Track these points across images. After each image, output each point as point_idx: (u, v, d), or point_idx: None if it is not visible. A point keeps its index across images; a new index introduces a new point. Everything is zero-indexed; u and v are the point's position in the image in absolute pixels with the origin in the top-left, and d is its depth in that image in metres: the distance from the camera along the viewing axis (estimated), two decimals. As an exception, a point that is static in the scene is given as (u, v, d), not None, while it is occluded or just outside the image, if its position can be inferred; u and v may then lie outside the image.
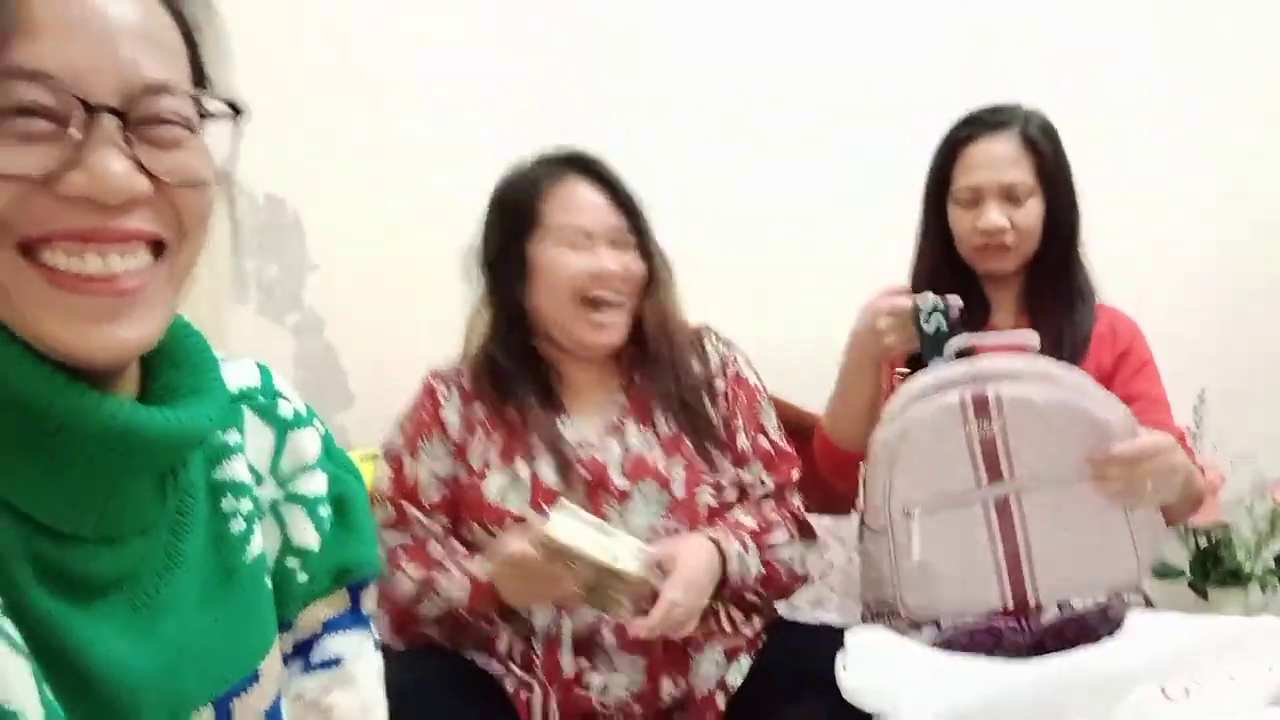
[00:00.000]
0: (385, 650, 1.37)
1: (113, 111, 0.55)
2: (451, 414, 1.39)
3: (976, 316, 1.53)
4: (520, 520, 1.31)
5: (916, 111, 2.10)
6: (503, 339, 1.40)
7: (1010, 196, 1.51)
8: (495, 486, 1.35)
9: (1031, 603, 1.36)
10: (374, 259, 2.21)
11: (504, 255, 1.39)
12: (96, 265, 0.55)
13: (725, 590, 1.34)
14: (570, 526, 1.17)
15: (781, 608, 1.66)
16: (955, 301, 1.37)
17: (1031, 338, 1.34)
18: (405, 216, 2.20)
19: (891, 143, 2.11)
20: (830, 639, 1.25)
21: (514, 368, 1.39)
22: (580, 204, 1.38)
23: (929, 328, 1.36)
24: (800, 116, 2.18)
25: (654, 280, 1.43)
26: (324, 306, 2.31)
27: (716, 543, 1.33)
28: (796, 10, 2.19)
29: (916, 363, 1.39)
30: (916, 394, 1.33)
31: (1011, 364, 1.31)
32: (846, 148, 2.17)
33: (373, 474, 1.42)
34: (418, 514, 1.36)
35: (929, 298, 1.37)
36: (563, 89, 2.17)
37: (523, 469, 1.35)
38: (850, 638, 1.22)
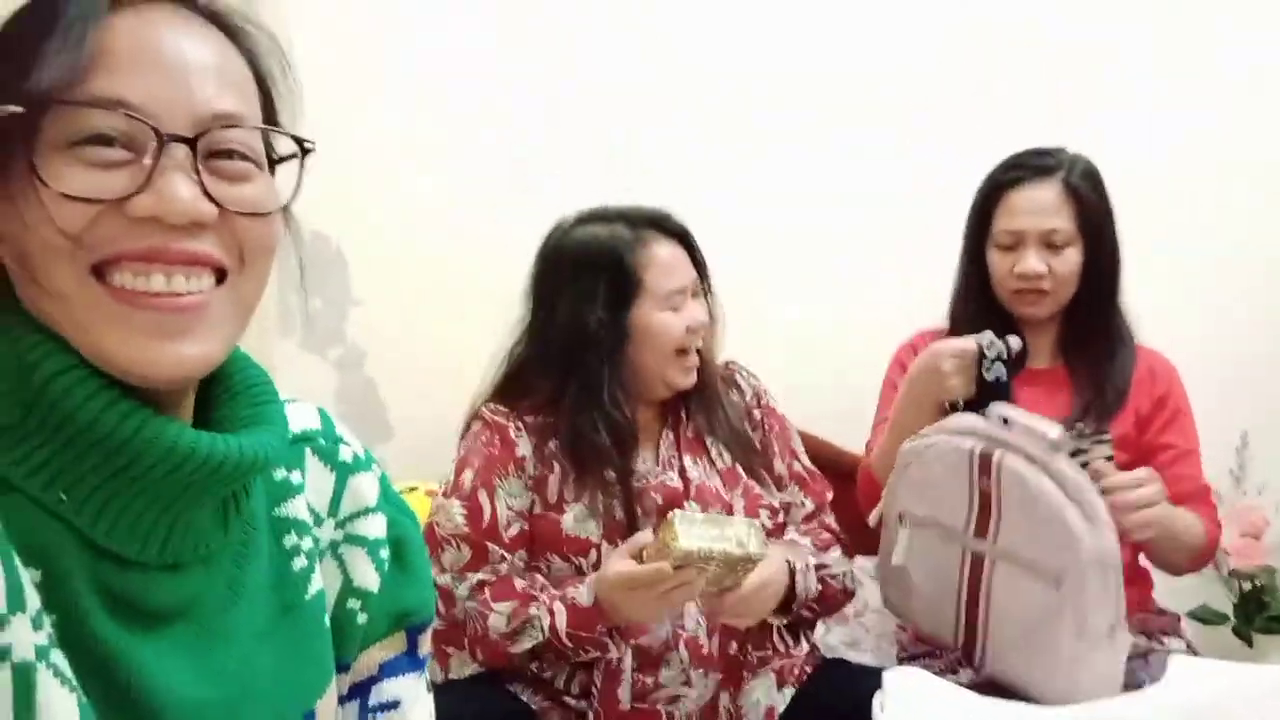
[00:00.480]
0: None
1: (183, 140, 0.58)
2: (526, 450, 1.41)
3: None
4: (597, 547, 1.36)
5: (916, 111, 2.14)
6: (597, 410, 1.39)
7: (1049, 244, 1.51)
8: (572, 517, 1.37)
9: (975, 658, 1.39)
10: (415, 294, 2.25)
11: (608, 328, 1.40)
12: (161, 283, 0.57)
13: (794, 605, 1.40)
14: (694, 533, 1.20)
15: (821, 646, 1.67)
16: (1015, 344, 1.41)
17: (1052, 429, 1.29)
18: (445, 252, 2.23)
19: (891, 143, 2.13)
20: (870, 679, 1.24)
21: (603, 432, 1.39)
22: (674, 266, 1.44)
23: (989, 375, 1.39)
24: (800, 116, 2.20)
25: (713, 321, 1.52)
26: (365, 341, 2.34)
27: (787, 560, 1.40)
28: (797, 10, 2.20)
29: (969, 410, 1.41)
30: (945, 428, 1.39)
31: (1029, 443, 1.29)
32: (846, 147, 2.18)
33: (426, 515, 1.42)
34: (500, 551, 1.36)
35: (994, 343, 1.39)
36: (605, 110, 2.19)
37: (598, 500, 1.38)
38: (888, 677, 1.20)
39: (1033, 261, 1.51)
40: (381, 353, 2.34)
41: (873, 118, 2.17)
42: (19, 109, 0.55)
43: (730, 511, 1.40)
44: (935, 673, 1.42)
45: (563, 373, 1.42)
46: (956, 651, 1.47)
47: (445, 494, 1.41)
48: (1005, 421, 1.33)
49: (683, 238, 1.48)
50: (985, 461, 1.31)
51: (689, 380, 1.45)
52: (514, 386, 1.48)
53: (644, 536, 1.26)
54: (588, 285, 1.41)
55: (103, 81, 0.56)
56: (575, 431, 1.40)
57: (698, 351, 1.47)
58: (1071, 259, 1.52)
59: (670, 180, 2.06)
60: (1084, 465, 1.32)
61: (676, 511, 1.22)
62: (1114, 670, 1.28)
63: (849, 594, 1.52)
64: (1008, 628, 1.34)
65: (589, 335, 1.40)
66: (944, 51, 2.16)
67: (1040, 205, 1.52)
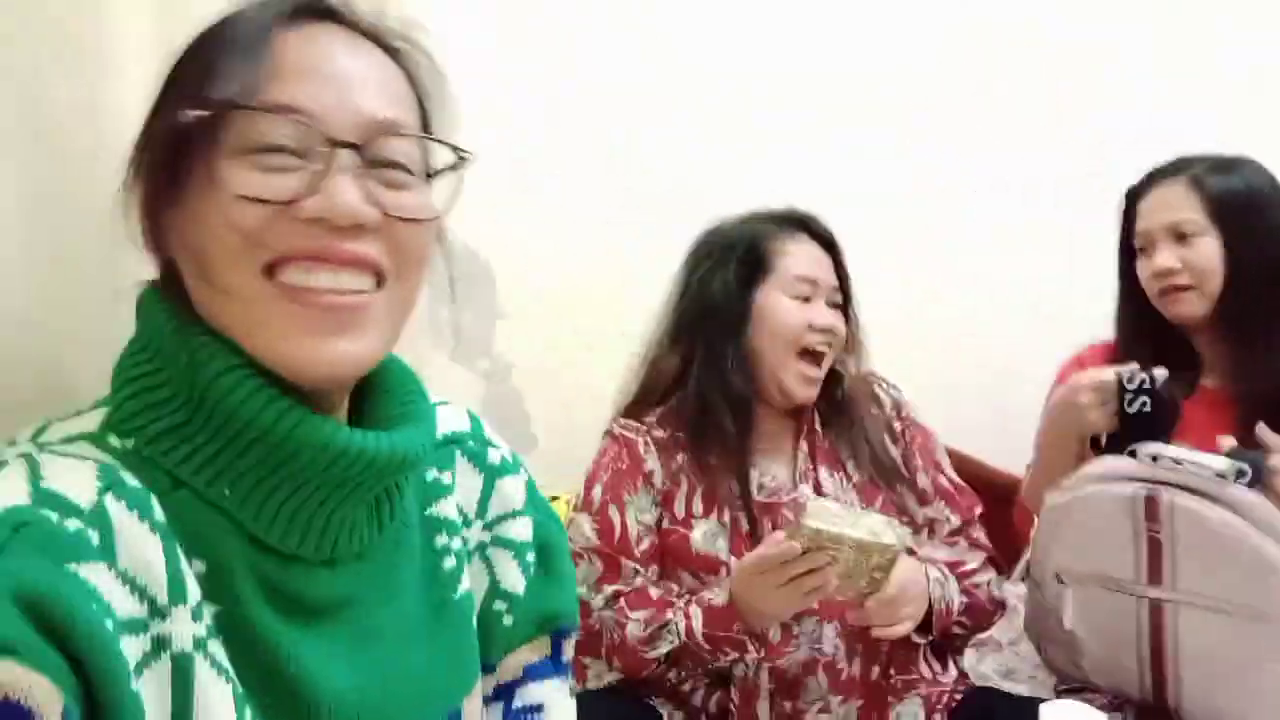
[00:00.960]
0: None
1: (350, 146, 0.61)
2: (654, 464, 1.41)
3: (1185, 377, 1.45)
4: (726, 564, 1.33)
5: (916, 111, 2.10)
6: (722, 381, 1.41)
7: (1179, 236, 1.44)
8: (701, 533, 1.37)
9: (1172, 706, 1.29)
10: (559, 308, 2.29)
11: (732, 300, 1.42)
12: (328, 280, 0.60)
13: (934, 620, 1.34)
14: (825, 516, 1.19)
15: (973, 675, 1.60)
16: (1160, 374, 1.32)
17: (1216, 461, 1.23)
18: (588, 267, 2.27)
19: (891, 143, 2.10)
20: (1025, 711, 1.18)
21: (727, 409, 1.40)
22: (808, 259, 1.45)
23: (1132, 409, 1.30)
24: (800, 116, 2.17)
25: (853, 341, 1.51)
26: (512, 353, 2.39)
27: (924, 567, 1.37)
28: (797, 10, 2.18)
29: (1112, 443, 1.34)
30: (1095, 476, 1.31)
31: (1199, 479, 1.23)
32: (846, 147, 2.15)
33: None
34: (633, 565, 1.37)
35: (1135, 375, 1.31)
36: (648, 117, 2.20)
37: (725, 515, 1.37)
38: (1045, 711, 1.14)
39: (1162, 257, 1.44)
40: (527, 366, 2.39)
41: (873, 117, 2.14)
42: (203, 113, 0.58)
43: None
44: (1098, 707, 1.34)
45: (689, 347, 1.44)
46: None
47: (576, 509, 1.43)
48: (1155, 459, 1.26)
49: (830, 245, 1.48)
50: (1151, 506, 1.24)
51: (806, 392, 1.42)
52: (647, 392, 1.49)
53: (778, 534, 1.23)
54: (721, 264, 1.44)
55: (275, 91, 0.60)
56: (698, 405, 1.41)
57: (831, 370, 1.46)
58: (1207, 249, 1.42)
59: (670, 180, 2.10)
60: (1255, 484, 1.21)
61: (811, 496, 1.21)
62: None
63: (999, 605, 1.45)
64: (1203, 672, 1.26)
65: (714, 307, 1.42)
66: (944, 51, 2.14)
67: (1164, 202, 1.46)
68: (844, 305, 1.49)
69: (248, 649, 0.58)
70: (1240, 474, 1.22)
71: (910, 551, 1.35)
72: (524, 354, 2.39)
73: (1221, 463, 1.23)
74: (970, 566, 1.43)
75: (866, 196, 2.13)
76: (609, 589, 1.35)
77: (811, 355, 1.42)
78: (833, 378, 1.48)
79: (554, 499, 1.60)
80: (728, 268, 1.44)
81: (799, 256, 1.44)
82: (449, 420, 0.78)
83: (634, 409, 1.50)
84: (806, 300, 1.42)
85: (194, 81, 0.60)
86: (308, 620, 0.62)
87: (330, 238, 0.60)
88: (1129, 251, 1.54)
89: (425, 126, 0.69)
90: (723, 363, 1.41)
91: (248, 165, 0.59)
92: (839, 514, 1.20)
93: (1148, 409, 1.30)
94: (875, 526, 1.19)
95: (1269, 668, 1.20)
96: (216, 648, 0.56)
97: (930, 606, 1.34)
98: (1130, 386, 1.31)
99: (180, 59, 0.63)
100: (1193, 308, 1.45)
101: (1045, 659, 1.40)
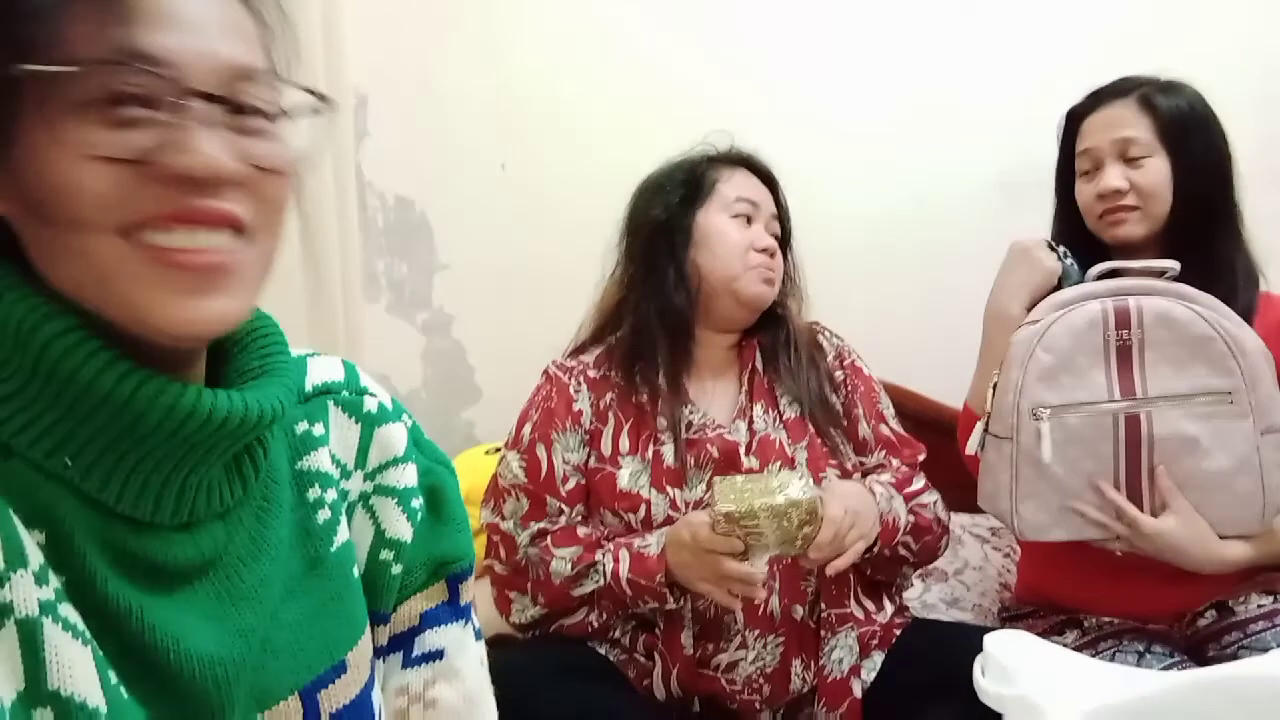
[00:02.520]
0: (508, 641, 1.39)
1: (207, 97, 0.56)
2: (584, 404, 1.42)
3: None
4: (648, 501, 1.34)
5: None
6: (660, 299, 1.43)
7: (1126, 156, 1.42)
8: (627, 472, 1.37)
9: (1145, 508, 1.31)
10: (500, 258, 2.26)
11: (675, 221, 1.44)
12: (185, 239, 0.56)
13: (880, 532, 1.34)
14: (734, 492, 1.20)
15: (915, 606, 1.62)
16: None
17: (1172, 262, 1.33)
18: (530, 216, 2.24)
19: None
20: (967, 639, 1.20)
21: (663, 331, 1.42)
22: (748, 185, 1.48)
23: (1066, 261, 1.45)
24: (900, 97, 2.16)
25: (792, 282, 1.54)
26: (452, 305, 2.36)
27: (868, 487, 1.38)
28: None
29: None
30: (1060, 303, 1.33)
31: (1153, 283, 1.31)
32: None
33: (494, 468, 1.44)
34: (558, 503, 1.38)
35: (1067, 252, 1.44)
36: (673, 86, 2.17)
37: (649, 452, 1.38)
38: (989, 641, 1.16)
39: (1110, 177, 1.42)
40: (468, 317, 2.36)
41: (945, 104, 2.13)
42: (38, 67, 0.53)
43: (792, 466, 1.37)
44: (1039, 634, 1.38)
45: (632, 272, 1.46)
46: (1162, 620, 1.42)
47: (507, 446, 1.44)
48: (1114, 274, 1.34)
49: (769, 180, 1.50)
50: (1121, 314, 1.29)
51: (760, 289, 1.43)
52: (592, 332, 1.51)
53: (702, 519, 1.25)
54: (662, 191, 1.47)
55: (123, 38, 0.55)
56: (635, 332, 1.43)
57: (773, 310, 1.48)
58: (1155, 170, 1.41)
59: (608, 124, 2.14)
60: None
61: (716, 479, 1.23)
62: None
63: (944, 527, 1.46)
64: (1180, 467, 1.29)
65: (655, 226, 1.44)
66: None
67: (1112, 121, 1.44)
68: (783, 243, 1.50)
69: (100, 618, 0.55)
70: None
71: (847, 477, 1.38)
72: (465, 306, 2.36)
73: (1163, 263, 1.32)
74: (916, 487, 1.44)
75: (822, 126, 2.16)
76: (534, 526, 1.37)
77: (757, 268, 1.44)
78: (775, 318, 1.49)
79: (497, 449, 1.59)
80: (668, 193, 1.46)
81: (740, 183, 1.47)
82: (320, 371, 0.75)
83: (576, 350, 1.51)
84: (748, 222, 1.44)
85: (26, 31, 0.54)
86: (171, 586, 0.59)
87: (191, 196, 0.56)
88: (1068, 174, 1.52)
89: (274, 67, 0.64)
90: (664, 282, 1.42)
91: (94, 120, 0.54)
92: (747, 486, 1.21)
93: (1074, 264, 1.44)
94: (785, 484, 1.20)
95: (1244, 437, 1.26)
96: (69, 611, 0.54)
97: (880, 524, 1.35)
98: (1057, 250, 1.45)
99: (9, 3, 0.56)
100: (1134, 229, 1.44)
101: (1017, 525, 1.35)
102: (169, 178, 0.55)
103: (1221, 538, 1.30)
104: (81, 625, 0.54)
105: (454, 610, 0.80)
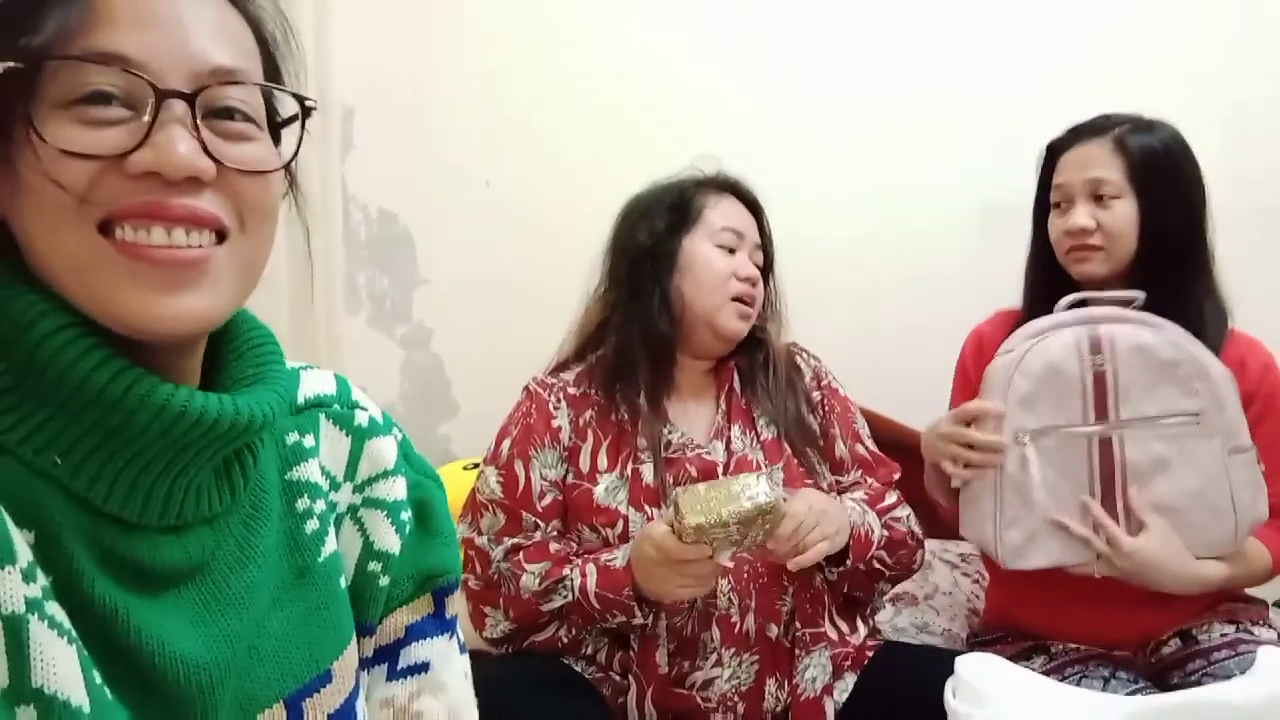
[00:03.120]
0: (485, 655, 1.39)
1: (181, 96, 0.58)
2: (563, 420, 1.43)
3: None
4: (625, 517, 1.35)
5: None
6: (643, 322, 1.44)
7: (1096, 196, 1.44)
8: (604, 487, 1.38)
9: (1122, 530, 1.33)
10: (481, 274, 2.26)
11: (661, 246, 1.45)
12: (161, 237, 0.57)
13: (852, 545, 1.35)
14: (698, 503, 1.20)
15: (886, 630, 1.64)
16: None
17: (1138, 292, 1.38)
18: (512, 233, 2.25)
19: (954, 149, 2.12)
20: (938, 662, 1.21)
21: (645, 353, 1.43)
22: (734, 213, 1.48)
23: None
24: (880, 123, 2.19)
25: (771, 306, 1.55)
26: (432, 319, 2.37)
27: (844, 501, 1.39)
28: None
29: None
30: (1033, 332, 1.37)
31: (1122, 312, 1.36)
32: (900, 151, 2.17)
33: (473, 483, 1.45)
34: (534, 519, 1.38)
35: None
36: (665, 103, 2.19)
37: (628, 469, 1.39)
38: (960, 664, 1.18)
39: (1078, 215, 1.44)
40: (447, 331, 2.36)
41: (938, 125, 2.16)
42: (15, 64, 0.55)
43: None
44: (1008, 658, 1.39)
45: (615, 293, 1.47)
46: (1127, 648, 1.44)
47: (486, 461, 1.44)
48: (1083, 304, 1.38)
49: (754, 207, 1.51)
50: (1095, 341, 1.34)
51: (739, 325, 1.45)
52: (575, 349, 1.51)
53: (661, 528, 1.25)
54: (648, 215, 1.47)
55: (100, 38, 0.56)
56: (617, 352, 1.44)
57: (753, 333, 1.48)
58: (1122, 212, 1.43)
59: (591, 142, 2.14)
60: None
61: (677, 490, 1.23)
62: (1257, 478, 1.35)
63: (919, 541, 1.46)
64: (1152, 488, 1.33)
65: (641, 252, 1.45)
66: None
67: (1086, 160, 1.45)
68: (765, 270, 1.52)
69: (87, 618, 0.55)
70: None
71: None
72: (445, 320, 2.36)
73: (1130, 294, 1.37)
74: (889, 502, 1.45)
75: (796, 158, 2.17)
76: (509, 541, 1.38)
77: (739, 302, 1.45)
78: (754, 341, 1.51)
79: (476, 465, 1.59)
80: (655, 217, 1.47)
81: (726, 210, 1.47)
82: (313, 384, 0.75)
83: (558, 367, 1.52)
84: (731, 251, 1.45)
85: (8, 29, 0.56)
86: (157, 589, 0.60)
87: (163, 193, 0.57)
88: (1044, 207, 1.54)
89: (273, 76, 0.66)
90: (648, 306, 1.43)
91: (71, 118, 0.56)
92: (710, 494, 1.21)
93: None
94: (749, 488, 1.20)
95: (1212, 457, 1.32)
96: (55, 609, 0.53)
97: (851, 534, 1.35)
98: None
99: None
100: (1098, 269, 1.45)
101: (1000, 553, 1.36)
102: (141, 175, 0.56)
103: (1197, 559, 1.33)
104: (68, 624, 0.54)
105: (440, 623, 0.80)
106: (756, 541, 1.24)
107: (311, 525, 0.71)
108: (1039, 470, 1.33)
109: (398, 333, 2.36)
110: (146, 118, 0.57)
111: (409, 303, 2.36)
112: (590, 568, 1.31)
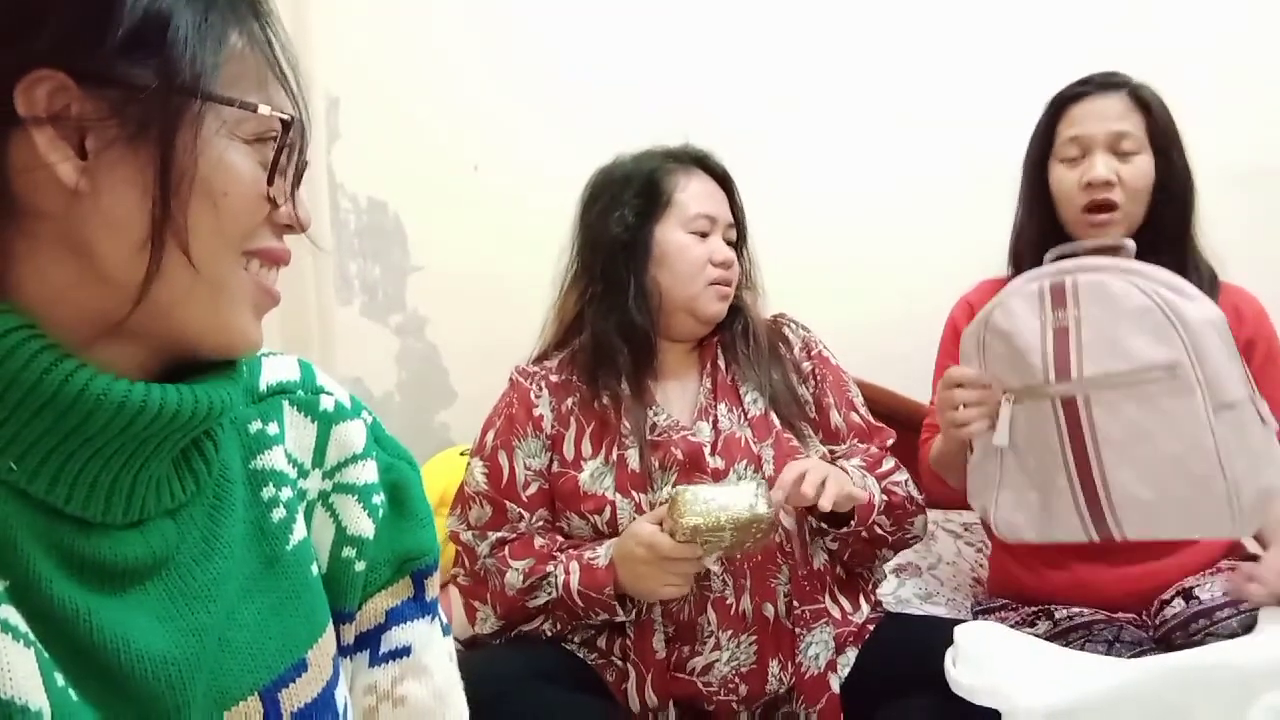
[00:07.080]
0: (485, 643, 1.40)
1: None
2: (545, 409, 1.42)
3: None
4: (612, 503, 1.34)
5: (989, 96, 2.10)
6: (620, 315, 1.42)
7: (1118, 149, 1.41)
8: (589, 473, 1.37)
9: (1112, 531, 1.24)
10: (473, 259, 2.25)
11: (633, 237, 1.42)
12: (272, 279, 0.66)
13: (859, 513, 1.33)
14: (699, 504, 1.21)
15: (889, 601, 1.64)
16: None
17: (1127, 241, 1.27)
18: (503, 217, 2.24)
19: (968, 130, 2.10)
20: (939, 632, 1.22)
21: (624, 344, 1.41)
22: (706, 196, 1.45)
23: None
24: (875, 100, 2.18)
25: (748, 277, 1.53)
26: (426, 307, 2.36)
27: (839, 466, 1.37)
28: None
29: None
30: (1009, 291, 1.30)
31: (1098, 260, 1.25)
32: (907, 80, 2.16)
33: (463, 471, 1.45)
34: (519, 510, 1.38)
35: None
36: (645, 89, 2.18)
37: (613, 455, 1.38)
38: (960, 633, 1.18)
39: (1101, 167, 1.40)
40: (442, 319, 2.36)
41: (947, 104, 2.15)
42: (220, 99, 0.59)
43: (758, 465, 1.37)
44: (1010, 625, 1.40)
45: (587, 284, 1.45)
46: (1129, 608, 1.42)
47: (472, 454, 1.44)
48: (1060, 258, 1.29)
49: (724, 180, 1.49)
50: (1058, 291, 1.24)
51: (717, 307, 1.43)
52: (554, 337, 1.50)
53: (657, 517, 1.26)
54: (620, 200, 1.44)
55: (272, 92, 0.62)
56: (594, 343, 1.42)
57: (732, 305, 1.47)
58: (1143, 168, 1.41)
59: (587, 120, 2.13)
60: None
61: (677, 488, 1.23)
62: (1259, 442, 1.16)
63: (918, 505, 1.44)
64: (1127, 458, 1.20)
65: (615, 242, 1.42)
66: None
67: (1107, 111, 1.42)
68: (739, 242, 1.50)
69: (47, 621, 0.55)
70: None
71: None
72: (439, 308, 2.36)
73: (1116, 241, 1.28)
74: (887, 467, 1.43)
75: (787, 133, 2.16)
76: (494, 536, 1.38)
77: (717, 285, 1.44)
78: (733, 312, 1.49)
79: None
80: (625, 204, 1.44)
81: (697, 193, 1.45)
82: (275, 370, 0.75)
83: (541, 355, 1.51)
84: (704, 236, 1.43)
85: (207, 59, 0.59)
86: (118, 585, 0.59)
87: (281, 241, 0.65)
88: (1041, 162, 1.50)
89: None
90: (622, 298, 1.41)
91: (251, 154, 0.61)
92: (710, 497, 1.22)
93: None
94: (748, 496, 1.21)
95: (1198, 418, 1.16)
96: (10, 613, 0.53)
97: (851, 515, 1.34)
98: None
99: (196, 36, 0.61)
100: (1114, 230, 1.42)
101: (996, 523, 1.33)
102: (282, 223, 0.65)
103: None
104: (24, 628, 0.53)
105: (420, 606, 0.79)
106: (744, 549, 1.25)
107: (278, 513, 0.70)
108: (1011, 432, 1.28)
109: (392, 321, 2.36)
110: (290, 174, 0.64)
111: (402, 291, 2.35)
112: (574, 565, 1.30)
